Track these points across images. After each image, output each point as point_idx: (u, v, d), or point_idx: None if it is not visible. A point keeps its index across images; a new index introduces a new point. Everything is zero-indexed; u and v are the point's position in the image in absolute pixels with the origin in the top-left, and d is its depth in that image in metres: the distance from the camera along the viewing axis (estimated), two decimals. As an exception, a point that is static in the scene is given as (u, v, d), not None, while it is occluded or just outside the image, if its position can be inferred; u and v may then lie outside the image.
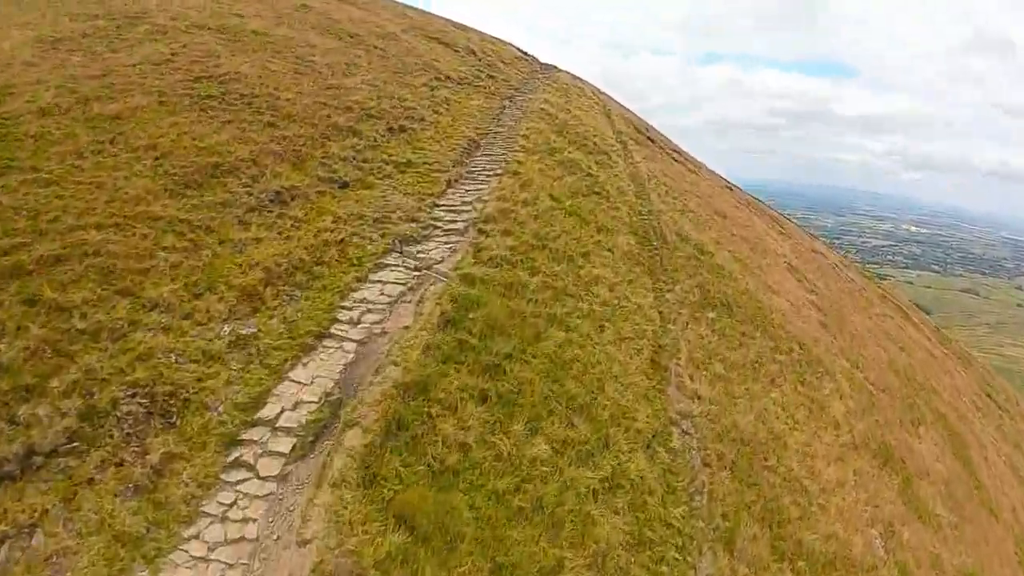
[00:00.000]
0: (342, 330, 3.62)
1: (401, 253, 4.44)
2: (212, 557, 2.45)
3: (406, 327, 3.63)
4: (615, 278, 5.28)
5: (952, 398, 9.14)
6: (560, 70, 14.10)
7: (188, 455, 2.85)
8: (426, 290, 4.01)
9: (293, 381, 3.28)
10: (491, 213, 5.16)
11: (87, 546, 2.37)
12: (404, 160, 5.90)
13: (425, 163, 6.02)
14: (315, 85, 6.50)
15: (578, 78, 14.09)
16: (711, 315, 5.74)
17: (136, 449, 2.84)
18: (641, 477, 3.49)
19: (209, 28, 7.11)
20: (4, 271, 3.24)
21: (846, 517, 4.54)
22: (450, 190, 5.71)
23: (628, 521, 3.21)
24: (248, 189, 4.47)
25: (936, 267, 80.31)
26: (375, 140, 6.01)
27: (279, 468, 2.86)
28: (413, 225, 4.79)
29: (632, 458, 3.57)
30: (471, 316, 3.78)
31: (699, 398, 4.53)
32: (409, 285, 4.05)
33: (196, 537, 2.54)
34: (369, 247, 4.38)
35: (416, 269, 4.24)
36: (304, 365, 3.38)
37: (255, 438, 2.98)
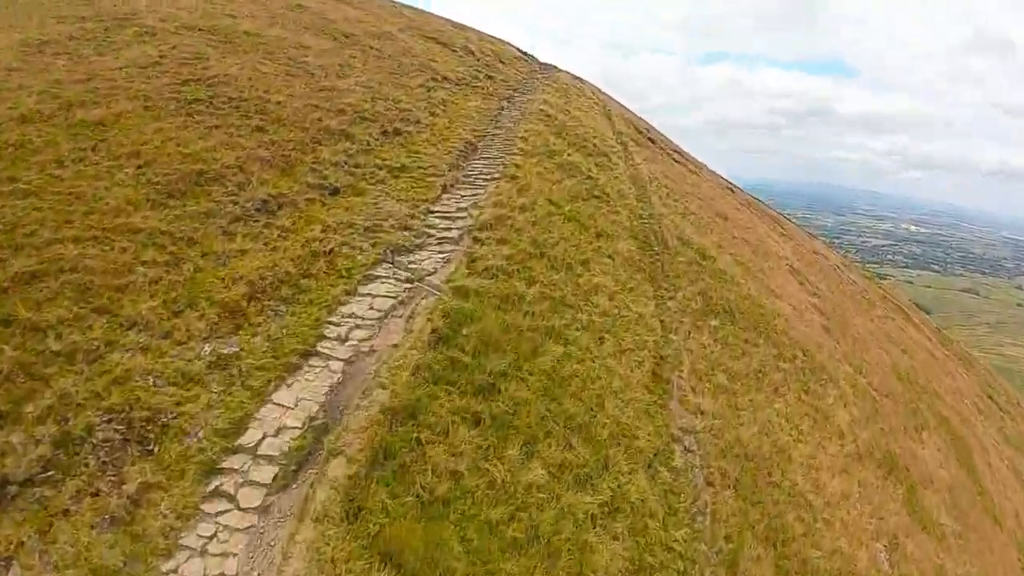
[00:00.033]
0: (329, 348, 3.35)
1: (392, 263, 4.12)
2: (189, 596, 2.23)
3: (395, 345, 3.34)
4: (615, 286, 4.95)
5: (954, 401, 8.79)
6: (560, 70, 13.50)
7: (166, 484, 2.62)
8: (417, 304, 3.72)
9: (276, 404, 3.02)
10: (487, 220, 4.83)
11: (61, 582, 2.15)
12: (398, 164, 5.55)
13: (420, 167, 5.66)
14: (307, 87, 6.13)
15: (578, 78, 13.51)
16: (714, 323, 5.41)
17: (112, 478, 2.61)
18: (642, 500, 3.23)
19: (200, 29, 6.72)
20: (-25, 289, 2.99)
21: (851, 531, 4.28)
22: (445, 195, 5.36)
23: (628, 547, 2.96)
24: (233, 198, 4.16)
25: (936, 267, 78.57)
26: (368, 144, 5.64)
27: (260, 499, 2.62)
28: (406, 234, 4.47)
29: (633, 479, 3.31)
30: (464, 332, 3.48)
31: (702, 412, 4.24)
32: (400, 298, 3.75)
33: (175, 572, 2.32)
34: (359, 257, 4.07)
35: (408, 281, 3.93)
36: (288, 386, 3.12)
37: (236, 466, 2.73)
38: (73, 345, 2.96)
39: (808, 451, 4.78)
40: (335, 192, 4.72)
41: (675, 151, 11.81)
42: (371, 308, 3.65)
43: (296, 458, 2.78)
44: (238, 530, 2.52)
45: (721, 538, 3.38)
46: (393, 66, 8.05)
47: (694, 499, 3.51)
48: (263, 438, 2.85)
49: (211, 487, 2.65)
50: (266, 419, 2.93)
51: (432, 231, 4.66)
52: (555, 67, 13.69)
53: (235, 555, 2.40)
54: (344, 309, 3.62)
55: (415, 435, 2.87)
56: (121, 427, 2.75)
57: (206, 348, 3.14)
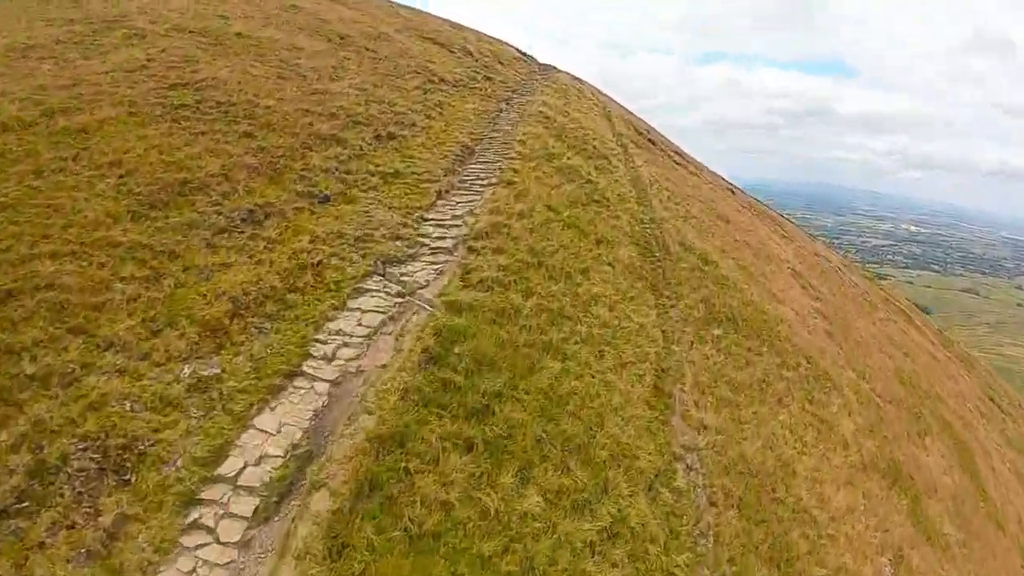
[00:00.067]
0: (314, 367, 3.10)
1: (383, 276, 3.84)
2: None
3: (384, 365, 3.08)
4: (616, 296, 4.64)
5: (957, 404, 8.46)
6: (559, 70, 12.97)
7: (144, 516, 2.40)
8: (408, 320, 3.45)
9: (258, 430, 2.78)
10: (483, 228, 4.52)
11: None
12: (391, 170, 5.21)
13: (414, 173, 5.32)
14: (298, 90, 5.78)
15: (577, 79, 12.97)
16: (716, 332, 5.10)
17: (88, 510, 2.39)
18: (642, 524, 2.98)
19: (190, 31, 6.36)
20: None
21: (855, 546, 4.03)
22: (440, 202, 5.04)
23: (628, 574, 2.72)
24: (218, 208, 3.88)
25: (936, 267, 76.44)
26: (361, 149, 5.31)
27: (241, 533, 2.40)
28: (398, 244, 4.17)
29: (633, 503, 3.06)
30: (456, 350, 3.21)
31: (705, 427, 3.96)
32: (390, 314, 3.48)
33: (152, 609, 2.11)
34: (349, 270, 3.79)
35: (399, 295, 3.65)
36: (271, 410, 2.88)
37: (215, 497, 2.51)
38: (48, 368, 2.73)
39: (812, 463, 4.51)
40: (325, 200, 4.41)
41: (675, 152, 11.33)
42: (360, 324, 3.38)
43: (278, 489, 2.55)
44: (218, 565, 2.30)
45: (724, 561, 3.14)
46: (389, 68, 7.65)
47: (696, 521, 3.27)
48: (244, 467, 2.62)
49: (190, 519, 2.43)
50: (247, 446, 2.70)
51: (425, 240, 4.36)
52: (554, 68, 13.14)
53: (214, 593, 2.19)
54: (331, 325, 3.35)
55: (403, 464, 2.63)
56: (97, 455, 2.53)
57: (186, 370, 2.90)
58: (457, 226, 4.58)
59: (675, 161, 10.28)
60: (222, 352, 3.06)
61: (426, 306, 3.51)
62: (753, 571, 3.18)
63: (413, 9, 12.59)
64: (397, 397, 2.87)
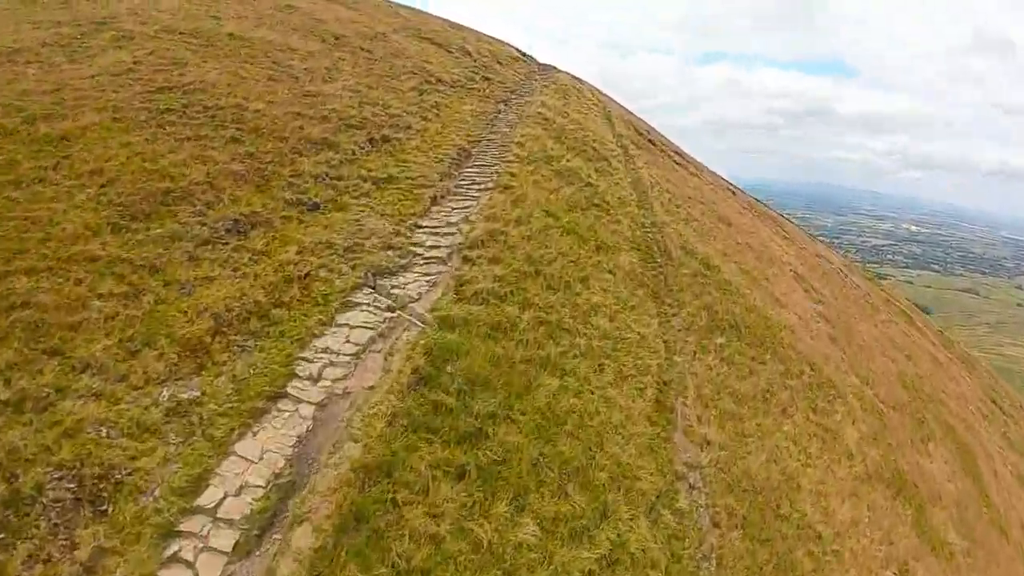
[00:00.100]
0: (299, 389, 2.85)
1: (374, 288, 3.56)
2: None
3: (372, 387, 2.82)
4: (616, 305, 4.34)
5: (959, 407, 8.13)
6: (559, 71, 12.43)
7: (121, 549, 2.19)
8: (398, 337, 3.18)
9: (240, 457, 2.55)
10: (478, 236, 4.21)
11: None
12: (384, 175, 4.89)
13: (408, 178, 5.00)
14: (290, 93, 5.45)
15: (577, 79, 12.41)
16: (719, 340, 4.80)
17: (64, 542, 2.19)
18: (643, 549, 2.74)
19: (180, 32, 6.01)
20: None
21: (861, 561, 3.79)
22: (435, 208, 4.73)
23: None
24: (201, 219, 3.60)
25: (936, 267, 74.16)
26: (353, 153, 4.98)
27: (220, 569, 2.19)
28: (389, 253, 3.88)
29: (633, 527, 2.82)
30: (448, 370, 2.95)
31: (708, 443, 3.70)
32: (379, 330, 3.21)
33: (128, 649, 1.91)
34: (337, 282, 3.51)
35: (389, 309, 3.38)
36: (254, 435, 2.64)
37: (195, 530, 2.29)
38: (22, 392, 2.51)
39: (817, 476, 4.25)
40: (314, 208, 4.11)
41: (676, 153, 10.84)
42: (347, 341, 3.12)
43: (259, 522, 2.32)
44: (196, 604, 2.11)
45: (729, 585, 2.90)
46: (384, 69, 7.25)
47: (699, 543, 3.03)
48: (224, 498, 2.40)
49: (168, 552, 2.22)
50: (228, 475, 2.47)
51: (419, 249, 4.06)
52: (554, 68, 12.59)
53: (191, 634, 1.99)
54: (318, 343, 3.09)
55: (390, 495, 2.39)
56: (73, 485, 2.32)
57: (164, 393, 2.67)
58: (452, 234, 4.28)
59: (675, 162, 9.82)
60: (203, 373, 2.82)
61: (417, 322, 3.24)
62: (758, 593, 2.94)
63: (412, 9, 12.04)
64: (384, 423, 2.62)
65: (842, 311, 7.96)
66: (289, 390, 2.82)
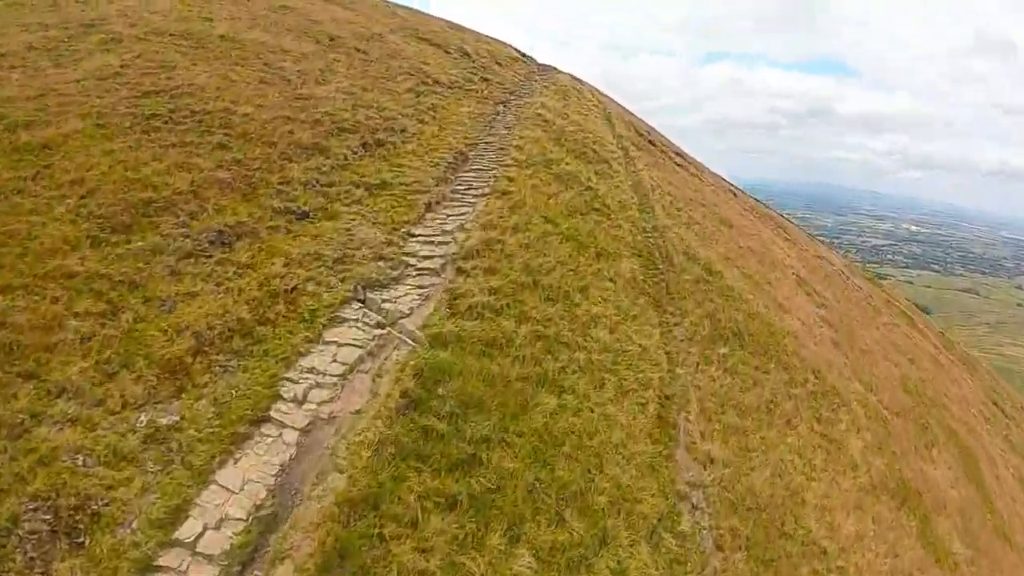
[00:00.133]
0: (284, 412, 2.62)
1: (363, 302, 3.30)
2: None
3: (358, 411, 2.59)
4: (617, 316, 4.06)
5: (961, 410, 7.83)
6: (559, 71, 11.89)
7: None
8: (387, 357, 2.93)
9: (220, 486, 2.34)
10: (474, 246, 3.93)
11: None
12: (377, 181, 4.58)
13: (402, 183, 4.69)
14: (281, 96, 5.13)
15: (577, 79, 11.90)
16: (723, 350, 4.52)
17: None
18: None
19: (170, 34, 5.68)
20: None
21: None
22: (429, 215, 4.44)
23: None
24: (184, 230, 3.34)
25: (936, 266, 72.14)
26: (345, 158, 4.67)
27: (197, 608, 2.02)
28: (380, 265, 3.61)
29: (634, 552, 2.59)
30: (440, 392, 2.71)
31: (712, 461, 3.45)
32: (368, 348, 2.97)
33: None
34: (325, 296, 3.25)
35: (378, 326, 3.12)
36: (235, 462, 2.43)
37: (173, 565, 2.09)
38: None
39: (822, 489, 4.01)
40: (303, 216, 3.83)
41: (677, 154, 10.39)
42: (335, 361, 2.88)
43: (239, 557, 2.12)
44: (173, 646, 1.93)
45: (733, 611, 2.69)
46: (380, 70, 6.88)
47: (702, 567, 2.80)
48: (203, 531, 2.19)
49: None
50: (207, 506, 2.27)
51: (412, 259, 3.79)
52: (554, 68, 12.07)
53: None
54: (304, 362, 2.85)
55: (377, 530, 2.17)
56: (48, 516, 2.13)
57: (142, 418, 2.45)
58: (446, 243, 4.00)
59: (676, 163, 9.40)
60: (183, 396, 2.60)
61: (408, 340, 2.99)
62: (763, 618, 2.73)
63: (410, 9, 11.52)
64: (371, 452, 2.39)
65: (844, 314, 7.63)
66: (272, 414, 2.60)
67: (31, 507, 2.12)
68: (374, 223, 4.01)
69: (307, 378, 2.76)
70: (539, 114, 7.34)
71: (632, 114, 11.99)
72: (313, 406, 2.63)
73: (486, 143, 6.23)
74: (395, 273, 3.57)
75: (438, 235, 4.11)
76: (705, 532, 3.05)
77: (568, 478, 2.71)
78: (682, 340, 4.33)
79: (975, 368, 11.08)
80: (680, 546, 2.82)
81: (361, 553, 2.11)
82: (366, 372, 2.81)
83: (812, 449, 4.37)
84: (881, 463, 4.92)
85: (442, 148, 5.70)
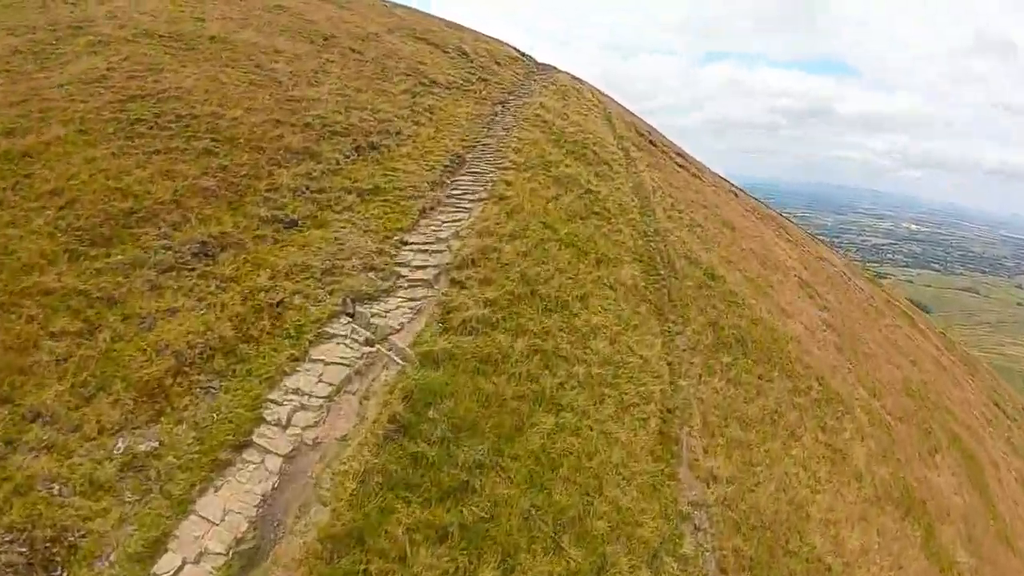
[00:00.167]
0: (267, 436, 2.42)
1: (352, 317, 3.07)
2: None
3: (344, 437, 2.37)
4: (617, 326, 3.80)
5: (963, 413, 7.52)
6: (558, 71, 11.29)
7: None
8: (375, 377, 2.70)
9: (200, 517, 2.15)
10: (469, 255, 3.66)
11: None
12: (370, 187, 4.29)
13: (396, 188, 4.40)
14: (271, 98, 4.81)
15: (577, 79, 11.35)
16: (726, 359, 4.25)
17: None
18: None
19: (159, 35, 5.36)
20: None
21: None
22: (424, 221, 4.16)
23: None
24: (166, 242, 3.11)
25: (936, 265, 70.12)
26: (337, 163, 4.37)
27: (173, 648, 1.85)
28: (371, 276, 3.35)
29: None
30: (431, 415, 2.48)
31: (715, 478, 3.22)
32: (356, 367, 2.74)
33: None
34: (312, 310, 3.01)
35: (367, 343, 2.89)
36: (216, 491, 2.24)
37: None
38: None
39: (827, 502, 3.78)
40: (292, 225, 3.57)
41: (678, 154, 9.92)
42: (320, 380, 2.66)
43: (217, 594, 1.97)
44: None
45: (737, 636, 2.49)
46: (375, 71, 6.50)
47: (706, 591, 2.60)
48: (182, 566, 2.00)
49: None
50: (186, 539, 2.08)
51: (404, 270, 3.53)
52: (554, 68, 11.52)
53: None
54: (289, 382, 2.64)
55: (362, 567, 1.98)
56: (24, 548, 1.96)
57: (119, 445, 2.26)
58: (440, 252, 3.73)
59: (677, 164, 8.96)
60: (161, 420, 2.40)
61: (397, 359, 2.75)
62: (768, 642, 2.52)
63: (408, 8, 10.97)
64: (356, 482, 2.18)
65: (847, 317, 7.29)
66: (255, 438, 2.40)
67: (7, 539, 1.95)
68: (365, 231, 3.74)
69: (291, 400, 2.55)
70: (538, 115, 6.95)
71: (632, 114, 11.49)
72: (297, 430, 2.42)
73: (484, 145, 5.89)
74: (386, 285, 3.32)
75: (432, 243, 3.84)
76: (708, 554, 2.84)
77: (566, 503, 2.50)
78: (684, 350, 4.07)
79: (976, 369, 10.74)
80: (683, 570, 2.62)
81: (345, 592, 1.93)
82: (353, 393, 2.59)
83: (817, 461, 4.13)
84: (885, 472, 4.68)
85: (438, 151, 5.37)
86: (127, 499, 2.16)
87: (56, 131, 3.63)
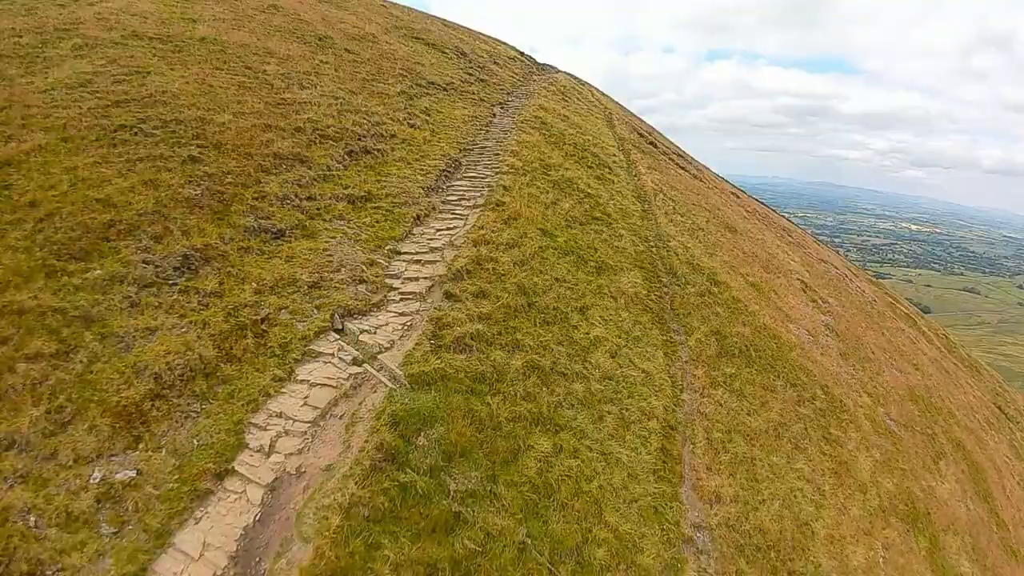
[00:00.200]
0: (249, 464, 2.23)
1: (341, 332, 2.86)
2: None
3: (329, 466, 2.17)
4: (618, 338, 3.57)
5: (967, 418, 7.24)
6: (558, 70, 10.89)
7: None
8: (362, 401, 2.50)
9: (179, 551, 1.98)
10: (464, 266, 3.43)
11: None
12: (362, 193, 4.03)
13: (389, 195, 4.15)
14: (261, 102, 4.55)
15: (577, 78, 10.88)
16: (729, 370, 4.01)
17: None
18: None
19: (149, 37, 5.08)
20: None
21: None
22: (418, 229, 3.92)
23: None
24: (147, 255, 2.88)
25: (937, 265, 68.55)
26: (328, 169, 4.12)
27: None
28: (361, 289, 3.13)
29: None
30: (420, 442, 2.28)
31: (718, 498, 3.02)
32: (343, 389, 2.53)
33: None
34: (299, 327, 2.80)
35: (355, 363, 2.67)
36: (196, 522, 2.06)
37: None
38: None
39: (831, 517, 3.57)
40: (279, 236, 3.32)
41: (678, 155, 9.50)
42: (306, 403, 2.46)
43: (193, 637, 1.80)
44: None
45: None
46: (371, 72, 6.18)
47: (709, 618, 2.42)
48: (157, 604, 1.87)
49: None
50: (165, 575, 1.93)
51: (396, 282, 3.30)
52: (554, 67, 11.09)
53: None
54: (273, 405, 2.44)
55: (345, 610, 1.81)
56: None
57: (95, 474, 2.08)
58: (434, 262, 3.49)
59: (678, 164, 8.55)
60: (139, 446, 2.21)
61: (386, 380, 2.54)
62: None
63: (406, 8, 10.50)
64: (340, 517, 1.99)
65: (850, 321, 6.99)
66: (237, 466, 2.21)
67: (-19, 573, 1.81)
68: (356, 241, 3.51)
69: (275, 424, 2.36)
70: (537, 116, 6.63)
71: (633, 114, 11.03)
72: (280, 458, 2.23)
73: (481, 148, 5.60)
74: (376, 298, 3.09)
75: (425, 253, 3.60)
76: (711, 579, 2.66)
77: (563, 532, 2.30)
78: (687, 361, 3.83)
79: (979, 371, 10.38)
80: (685, 596, 2.44)
81: (327, 637, 1.76)
82: (340, 417, 2.39)
83: (821, 474, 3.91)
84: (890, 483, 4.46)
85: (434, 155, 5.08)
86: (104, 531, 1.99)
87: (37, 139, 3.40)
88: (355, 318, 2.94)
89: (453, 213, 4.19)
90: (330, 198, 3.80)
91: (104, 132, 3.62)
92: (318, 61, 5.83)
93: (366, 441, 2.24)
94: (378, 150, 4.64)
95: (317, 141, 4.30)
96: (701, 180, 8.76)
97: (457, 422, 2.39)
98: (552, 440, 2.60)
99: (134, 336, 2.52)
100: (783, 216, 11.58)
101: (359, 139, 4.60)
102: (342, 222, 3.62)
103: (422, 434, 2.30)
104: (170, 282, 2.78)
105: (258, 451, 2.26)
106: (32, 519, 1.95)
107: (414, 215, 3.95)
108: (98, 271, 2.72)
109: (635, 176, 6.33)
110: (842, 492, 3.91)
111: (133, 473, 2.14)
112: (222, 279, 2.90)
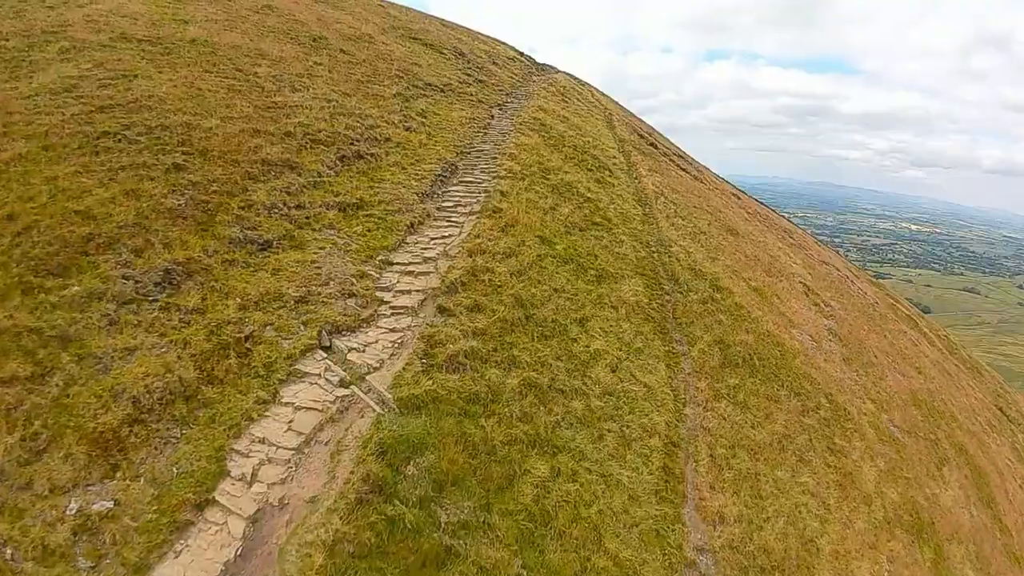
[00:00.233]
0: (230, 494, 2.05)
1: (328, 350, 2.66)
2: None
3: (313, 498, 2.00)
4: (619, 351, 3.35)
5: (969, 420, 6.99)
6: (558, 71, 10.48)
7: None
8: (349, 427, 2.31)
9: (154, 587, 1.85)
10: (458, 277, 3.20)
11: None
12: (354, 200, 3.79)
13: (382, 202, 3.90)
14: (251, 106, 4.29)
15: (577, 79, 10.43)
16: (733, 381, 3.78)
17: None
18: None
19: (138, 40, 4.82)
20: None
21: None
22: (411, 238, 3.69)
23: None
24: (126, 270, 2.68)
25: (937, 265, 66.97)
26: (319, 175, 3.87)
27: None
28: (350, 303, 2.91)
29: None
30: (409, 471, 2.10)
31: (722, 519, 2.83)
32: (329, 414, 2.35)
33: None
34: (284, 345, 2.60)
35: (342, 384, 2.48)
36: (176, 555, 1.90)
37: None
38: None
39: (836, 532, 3.38)
40: (265, 247, 3.09)
41: (679, 156, 9.09)
42: (290, 428, 2.28)
43: None
44: None
45: None
46: (366, 73, 5.88)
47: (712, 646, 2.25)
48: (132, 646, 1.73)
49: None
50: (138, 614, 1.79)
51: (387, 295, 3.08)
52: (553, 68, 10.67)
53: None
54: (256, 430, 2.26)
55: (328, 657, 1.66)
56: None
57: (71, 505, 1.93)
58: (427, 273, 3.26)
59: (679, 166, 8.18)
60: (117, 475, 2.05)
61: (374, 404, 2.34)
62: None
63: (403, 8, 10.05)
64: (324, 555, 1.82)
65: (852, 325, 6.70)
66: (218, 496, 2.04)
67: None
68: (346, 251, 3.28)
69: (258, 451, 2.18)
70: (536, 118, 6.32)
71: (633, 115, 10.58)
72: (263, 488, 2.06)
73: (479, 151, 5.32)
74: (366, 313, 2.87)
75: (419, 263, 3.37)
76: (715, 603, 2.48)
77: (560, 562, 2.13)
78: (690, 373, 3.61)
79: (980, 372, 10.05)
80: (687, 624, 2.27)
81: None
82: (325, 444, 2.21)
83: (826, 487, 3.71)
84: (895, 493, 4.26)
85: (429, 159, 4.81)
86: (81, 565, 1.84)
87: (18, 147, 3.19)
88: (343, 335, 2.73)
89: (448, 220, 3.95)
90: (320, 206, 3.56)
91: (87, 139, 3.39)
92: (312, 63, 5.53)
93: (352, 472, 2.06)
94: (371, 155, 4.37)
95: (308, 146, 4.05)
96: (702, 182, 8.40)
97: (449, 448, 2.20)
98: (549, 463, 2.41)
99: (112, 357, 2.35)
100: (784, 217, 11.18)
101: (352, 143, 4.34)
102: (332, 231, 3.39)
103: (411, 463, 2.11)
104: (150, 298, 2.59)
105: (240, 480, 2.09)
106: (8, 552, 1.81)
107: (408, 223, 3.71)
108: (76, 287, 2.53)
109: (636, 179, 6.02)
110: (847, 505, 3.72)
111: (110, 504, 1.98)
112: (205, 294, 2.70)
